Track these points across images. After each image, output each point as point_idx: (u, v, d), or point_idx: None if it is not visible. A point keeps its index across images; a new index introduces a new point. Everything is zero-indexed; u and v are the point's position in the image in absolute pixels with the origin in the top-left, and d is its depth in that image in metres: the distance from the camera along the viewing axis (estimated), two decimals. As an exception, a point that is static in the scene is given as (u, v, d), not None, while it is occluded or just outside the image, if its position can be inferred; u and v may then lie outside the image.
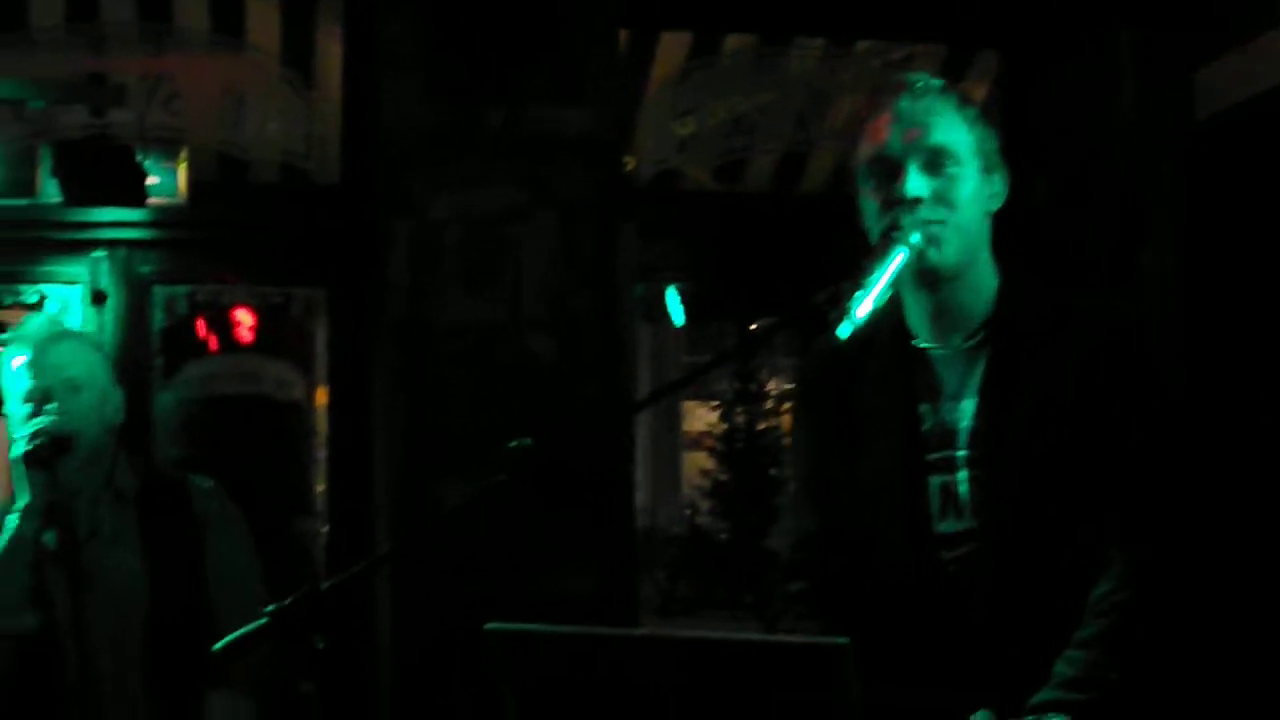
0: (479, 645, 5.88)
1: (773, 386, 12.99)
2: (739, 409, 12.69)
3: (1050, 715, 2.76)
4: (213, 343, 8.55)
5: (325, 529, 8.06)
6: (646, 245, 7.15)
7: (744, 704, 2.20)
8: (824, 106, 8.06)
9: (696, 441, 13.24)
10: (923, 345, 3.22)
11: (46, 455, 4.09)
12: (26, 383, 4.27)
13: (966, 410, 3.14)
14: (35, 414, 4.19)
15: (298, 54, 7.60)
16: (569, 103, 6.36)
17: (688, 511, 12.55)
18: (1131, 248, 6.60)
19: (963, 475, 3.12)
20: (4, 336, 4.59)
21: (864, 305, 2.83)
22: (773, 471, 12.40)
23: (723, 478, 12.47)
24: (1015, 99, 7.18)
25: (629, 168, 7.29)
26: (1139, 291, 6.43)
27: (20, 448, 4.13)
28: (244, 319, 8.06)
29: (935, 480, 3.15)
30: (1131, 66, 6.89)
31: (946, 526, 3.13)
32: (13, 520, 4.12)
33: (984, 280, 3.18)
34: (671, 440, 13.58)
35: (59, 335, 4.45)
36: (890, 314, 3.15)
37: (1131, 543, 2.98)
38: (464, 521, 3.24)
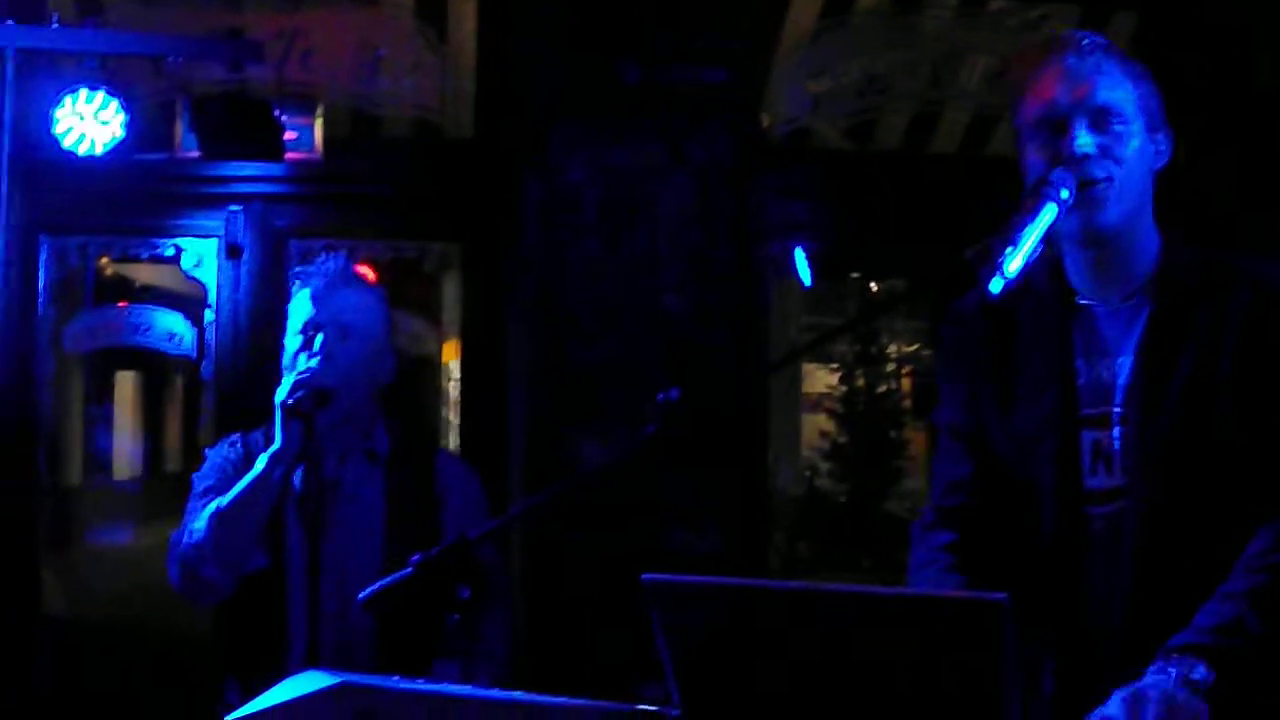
0: (610, 599, 5.93)
1: (893, 350, 13.02)
2: (859, 371, 12.73)
3: (1186, 658, 2.74)
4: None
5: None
6: (776, 204, 7.15)
7: (899, 658, 2.20)
8: (957, 66, 8.03)
9: (816, 403, 13.27)
10: (1082, 301, 3.20)
11: (305, 408, 4.09)
12: (304, 314, 4.26)
13: (1123, 367, 3.12)
14: (305, 347, 4.20)
15: (431, 9, 7.65)
16: (705, 61, 6.35)
17: (807, 473, 12.58)
18: (1271, 210, 6.54)
19: (1116, 432, 3.10)
20: (298, 270, 4.55)
21: (1015, 261, 2.78)
22: (892, 434, 12.43)
23: (842, 440, 12.52)
24: (1152, 60, 7.10)
25: (765, 126, 7.27)
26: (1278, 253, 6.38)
27: (281, 395, 4.14)
28: (379, 273, 8.13)
29: (1088, 435, 3.14)
30: (1269, 27, 6.83)
31: (1096, 482, 3.11)
32: (262, 461, 4.13)
33: (1146, 239, 3.15)
34: (791, 402, 13.57)
35: (348, 278, 4.40)
36: (1050, 268, 3.15)
37: None
38: (601, 475, 3.25)
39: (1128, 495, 3.07)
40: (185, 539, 4.13)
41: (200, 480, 4.31)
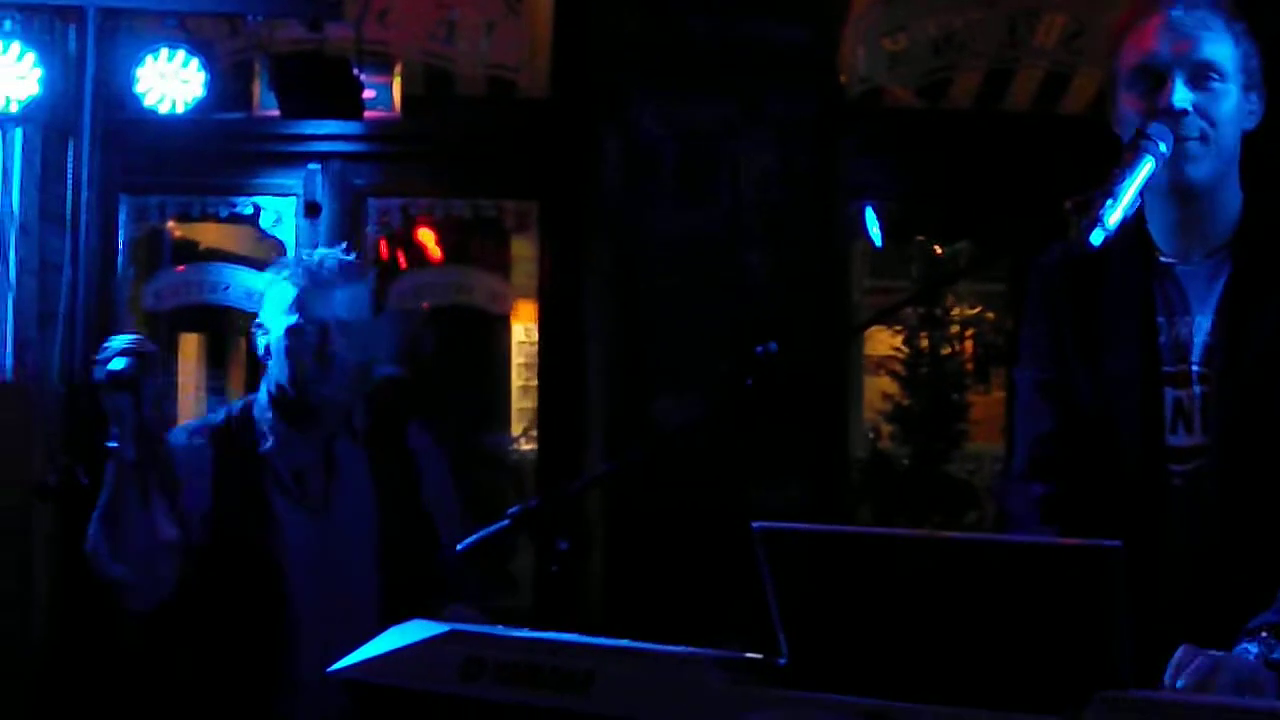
0: (692, 553, 5.95)
1: (957, 312, 12.97)
2: (923, 334, 12.69)
3: (1268, 638, 2.72)
4: (426, 254, 8.73)
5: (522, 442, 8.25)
6: (848, 164, 7.16)
7: (1013, 605, 2.21)
8: (1034, 23, 8.03)
9: (879, 365, 13.23)
10: (1164, 259, 3.21)
11: (128, 377, 4.12)
12: (299, 310, 4.29)
13: (1203, 325, 3.14)
14: (306, 350, 4.28)
15: (508, -33, 7.70)
16: (785, 18, 6.36)
17: (870, 435, 12.54)
18: None
19: (1197, 390, 3.12)
20: (283, 261, 4.63)
21: (1115, 213, 2.81)
22: (955, 397, 12.38)
23: (905, 402, 12.48)
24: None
25: (841, 84, 7.27)
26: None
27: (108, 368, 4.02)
28: (456, 231, 8.21)
29: (1170, 393, 3.15)
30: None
31: (1177, 440, 3.13)
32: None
33: (1231, 197, 3.16)
34: (854, 364, 13.52)
35: (345, 275, 4.40)
36: (1133, 225, 3.09)
37: None
38: (696, 429, 3.28)
39: (1208, 453, 3.09)
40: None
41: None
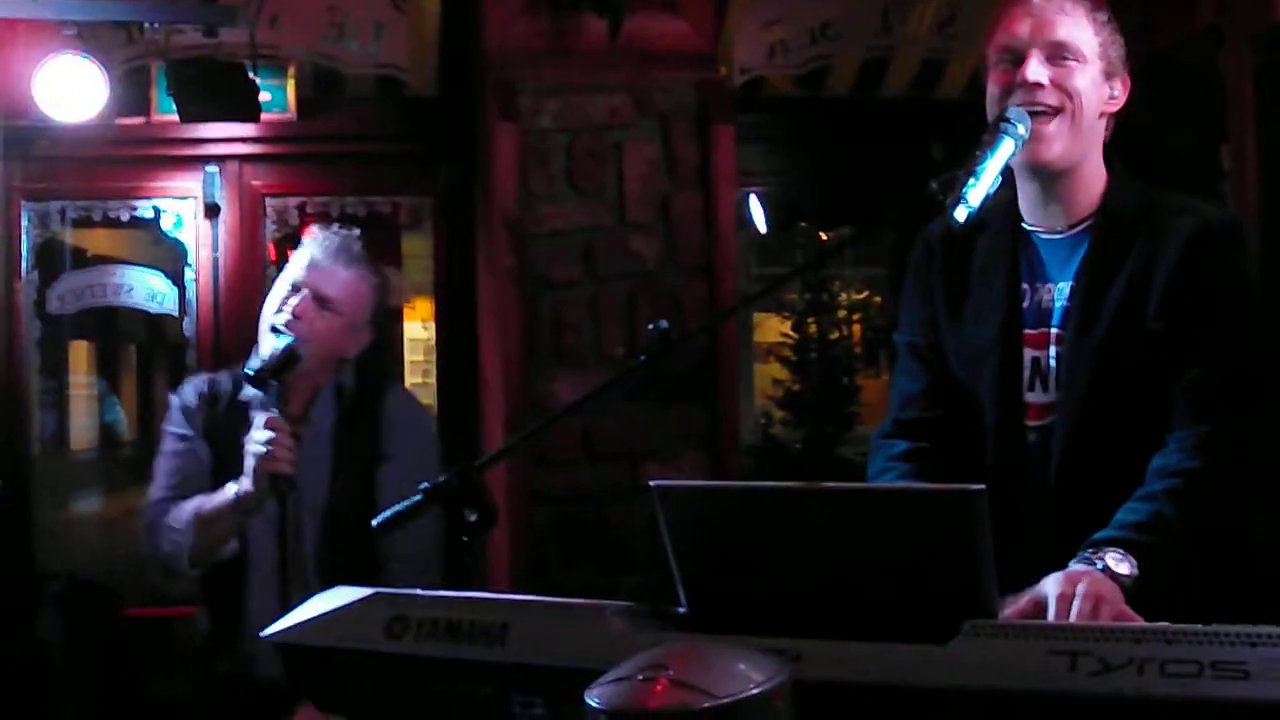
0: (586, 532, 6.06)
1: (844, 297, 13.06)
2: (810, 319, 12.74)
3: (1110, 550, 2.90)
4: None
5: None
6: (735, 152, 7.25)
7: (889, 547, 2.33)
8: (906, 11, 8.18)
9: (769, 352, 13.27)
10: (1030, 229, 3.40)
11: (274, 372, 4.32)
12: (293, 275, 4.50)
13: (1063, 291, 3.32)
14: (280, 305, 4.45)
15: (395, -32, 7.77)
16: (668, 12, 6.45)
17: (761, 421, 12.58)
18: (1213, 146, 6.66)
19: (1053, 351, 3.31)
20: (312, 230, 4.84)
21: (977, 192, 2.99)
22: (845, 381, 12.45)
23: (795, 388, 12.53)
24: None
25: (723, 75, 7.36)
26: (1221, 187, 6.52)
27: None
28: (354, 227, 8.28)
29: (1029, 353, 3.34)
30: (1213, -33, 6.94)
31: (1034, 396, 3.32)
32: (230, 491, 4.35)
33: (1092, 175, 3.34)
34: (744, 351, 13.56)
35: (341, 254, 4.59)
36: (1004, 196, 3.30)
37: (1203, 420, 3.13)
38: (592, 402, 3.42)
39: (1058, 409, 3.28)
40: (165, 538, 4.43)
41: (171, 434, 4.58)
